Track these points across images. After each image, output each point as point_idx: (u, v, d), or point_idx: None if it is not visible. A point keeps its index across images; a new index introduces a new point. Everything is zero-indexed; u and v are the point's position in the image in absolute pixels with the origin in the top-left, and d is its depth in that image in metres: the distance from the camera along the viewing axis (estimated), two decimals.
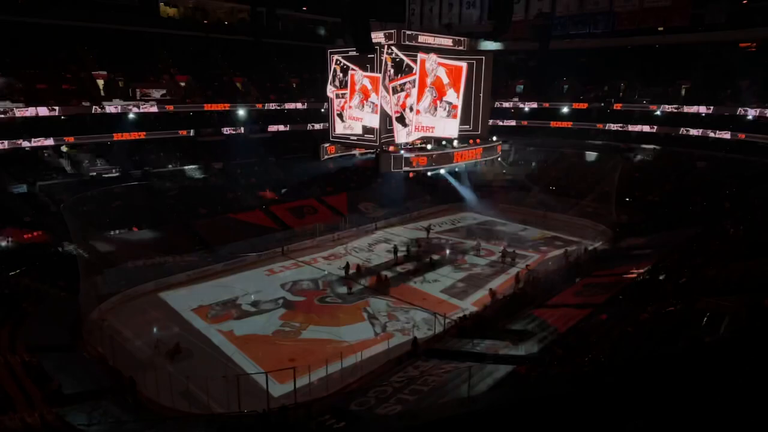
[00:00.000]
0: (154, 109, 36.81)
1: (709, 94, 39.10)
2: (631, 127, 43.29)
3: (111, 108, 34.81)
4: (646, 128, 42.59)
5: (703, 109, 38.98)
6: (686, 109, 39.96)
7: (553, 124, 47.39)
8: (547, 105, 47.10)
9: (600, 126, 44.82)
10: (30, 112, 31.42)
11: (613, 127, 44.08)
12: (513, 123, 48.66)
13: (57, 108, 32.32)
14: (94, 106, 33.99)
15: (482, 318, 20.96)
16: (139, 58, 38.67)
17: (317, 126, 44.34)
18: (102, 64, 36.72)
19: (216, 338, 20.62)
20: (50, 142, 32.64)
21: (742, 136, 36.92)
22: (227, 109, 41.14)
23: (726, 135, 37.95)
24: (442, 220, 38.82)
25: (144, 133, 36.77)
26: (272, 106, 43.38)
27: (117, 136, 35.48)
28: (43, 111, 31.82)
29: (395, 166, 19.58)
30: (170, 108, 37.84)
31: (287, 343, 20.32)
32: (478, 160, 23.09)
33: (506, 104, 48.68)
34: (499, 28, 24.27)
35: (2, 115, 30.54)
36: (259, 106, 42.78)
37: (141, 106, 36.04)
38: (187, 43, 41.77)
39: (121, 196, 32.36)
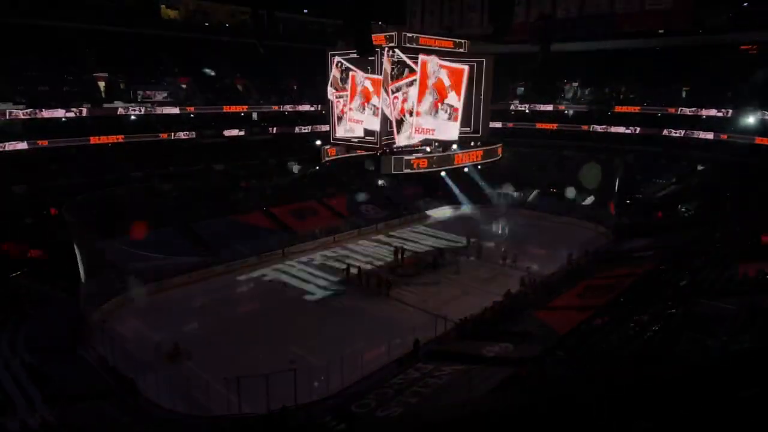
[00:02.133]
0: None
1: (710, 97, 39.03)
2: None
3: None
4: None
5: (702, 112, 38.88)
6: (687, 111, 39.81)
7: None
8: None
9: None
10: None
11: (614, 129, 43.80)
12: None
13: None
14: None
15: (484, 320, 20.93)
16: (140, 60, 38.72)
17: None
18: (103, 66, 36.73)
19: (217, 339, 20.60)
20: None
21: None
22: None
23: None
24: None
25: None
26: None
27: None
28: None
29: (396, 168, 19.44)
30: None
31: (287, 344, 20.25)
32: (478, 161, 22.91)
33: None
34: (500, 31, 24.26)
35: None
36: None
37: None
38: (187, 45, 41.83)
39: (122, 198, 32.30)
